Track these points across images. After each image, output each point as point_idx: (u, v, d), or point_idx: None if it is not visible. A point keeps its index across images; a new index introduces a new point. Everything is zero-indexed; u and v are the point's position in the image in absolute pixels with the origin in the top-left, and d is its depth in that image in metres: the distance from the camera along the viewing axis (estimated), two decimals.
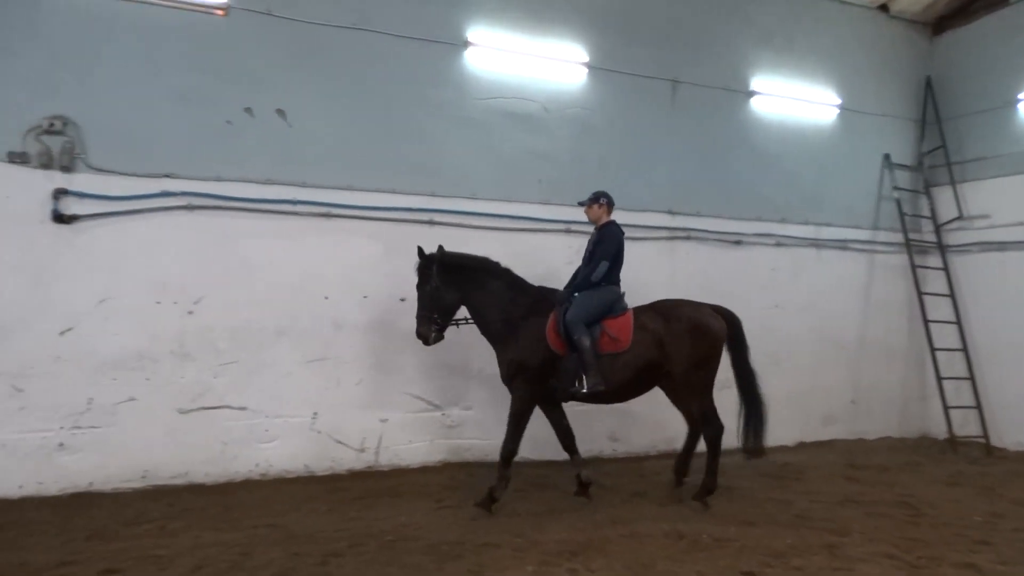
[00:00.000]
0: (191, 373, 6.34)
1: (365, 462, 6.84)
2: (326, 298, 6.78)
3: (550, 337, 5.85)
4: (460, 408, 7.20)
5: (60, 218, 5.94)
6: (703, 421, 6.14)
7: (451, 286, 5.87)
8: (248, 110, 6.56)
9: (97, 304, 6.06)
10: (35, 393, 5.87)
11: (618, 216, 7.90)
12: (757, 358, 8.66)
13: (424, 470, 6.97)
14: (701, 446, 6.30)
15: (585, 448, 7.93)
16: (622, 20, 8.03)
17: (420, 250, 5.90)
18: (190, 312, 6.35)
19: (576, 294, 5.98)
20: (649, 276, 8.03)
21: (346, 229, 6.79)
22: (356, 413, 6.85)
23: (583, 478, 6.18)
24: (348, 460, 6.83)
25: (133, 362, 6.15)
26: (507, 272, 6.10)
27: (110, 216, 6.10)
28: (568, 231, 7.64)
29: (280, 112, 6.67)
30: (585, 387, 5.73)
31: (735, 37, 8.70)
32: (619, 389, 5.96)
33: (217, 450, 6.39)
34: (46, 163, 5.91)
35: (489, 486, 5.81)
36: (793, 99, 8.99)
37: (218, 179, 6.42)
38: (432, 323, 5.82)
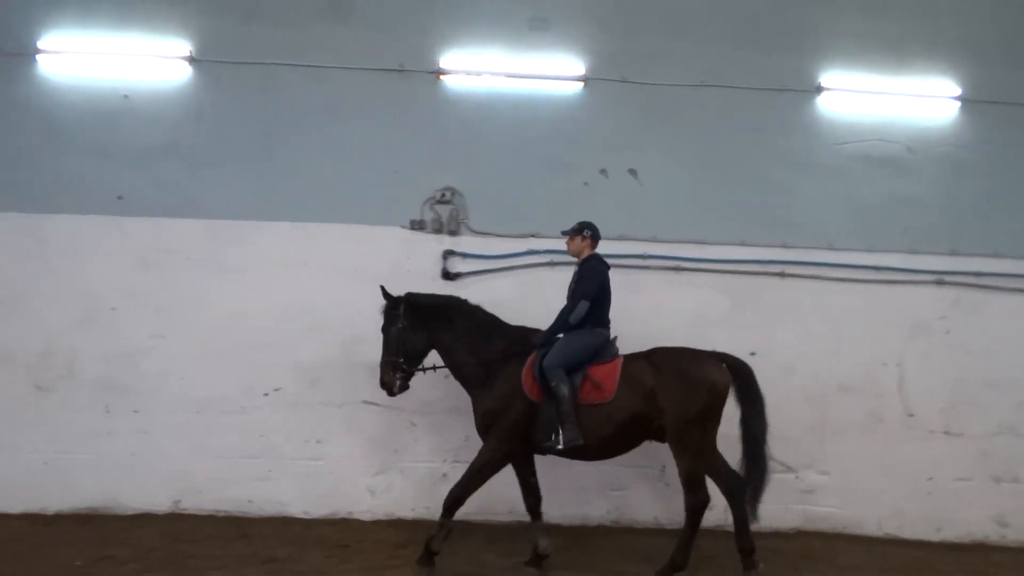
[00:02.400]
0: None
1: (714, 520, 6.67)
2: None
3: (526, 382, 5.35)
4: (816, 472, 6.76)
5: (447, 275, 6.83)
6: (686, 487, 5.47)
7: (419, 328, 5.69)
8: (603, 171, 6.99)
9: None
10: (425, 428, 6.74)
11: (1007, 265, 6.97)
12: None
13: (776, 536, 6.60)
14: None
15: (963, 531, 6.93)
16: (1003, 46, 7.12)
17: (384, 290, 5.75)
18: None
19: (558, 336, 5.41)
20: None
21: (694, 283, 6.85)
22: None
23: (540, 548, 5.52)
24: None
25: None
26: (477, 310, 5.85)
27: (486, 273, 6.85)
28: (940, 283, 6.89)
29: (632, 172, 6.99)
30: (561, 443, 5.18)
31: None
32: (602, 444, 5.34)
33: (577, 495, 6.67)
34: (438, 228, 6.88)
35: (427, 537, 5.53)
36: None
37: None
38: (397, 369, 5.63)
